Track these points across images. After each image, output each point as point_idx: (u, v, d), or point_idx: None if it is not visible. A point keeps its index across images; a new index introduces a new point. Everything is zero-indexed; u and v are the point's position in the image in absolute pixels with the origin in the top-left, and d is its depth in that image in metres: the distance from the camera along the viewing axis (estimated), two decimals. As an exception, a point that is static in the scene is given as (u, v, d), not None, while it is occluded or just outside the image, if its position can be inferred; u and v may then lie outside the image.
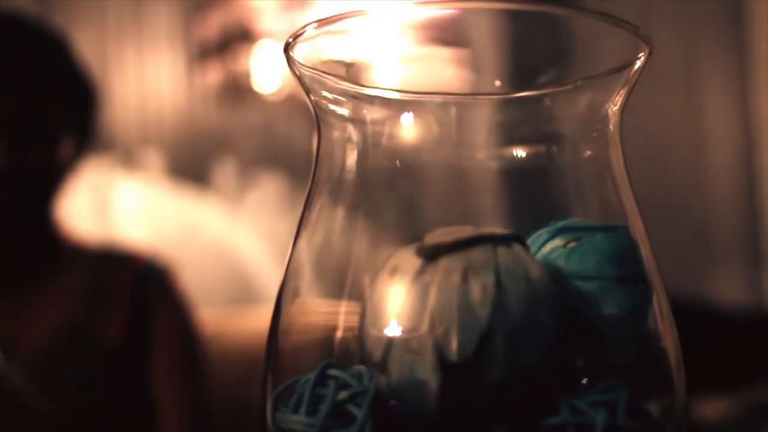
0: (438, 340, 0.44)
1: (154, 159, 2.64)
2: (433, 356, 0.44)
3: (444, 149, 0.54)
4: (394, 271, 0.46)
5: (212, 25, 2.59)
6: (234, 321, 1.93)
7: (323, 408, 0.46)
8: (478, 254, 0.45)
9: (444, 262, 0.45)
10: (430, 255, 0.45)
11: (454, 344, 0.44)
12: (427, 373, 0.44)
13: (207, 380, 1.45)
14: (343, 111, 0.53)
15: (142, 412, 1.40)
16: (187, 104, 2.68)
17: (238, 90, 2.61)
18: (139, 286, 1.44)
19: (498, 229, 0.47)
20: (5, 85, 1.33)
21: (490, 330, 0.44)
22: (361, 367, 0.47)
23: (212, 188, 2.70)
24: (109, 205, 2.53)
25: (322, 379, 0.47)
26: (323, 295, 0.51)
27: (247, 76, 2.54)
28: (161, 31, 2.65)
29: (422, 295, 0.44)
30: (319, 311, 0.51)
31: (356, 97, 0.53)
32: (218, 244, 2.59)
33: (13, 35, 1.39)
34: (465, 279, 0.44)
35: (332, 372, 0.47)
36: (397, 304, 0.45)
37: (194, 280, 1.63)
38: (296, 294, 0.51)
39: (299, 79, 0.52)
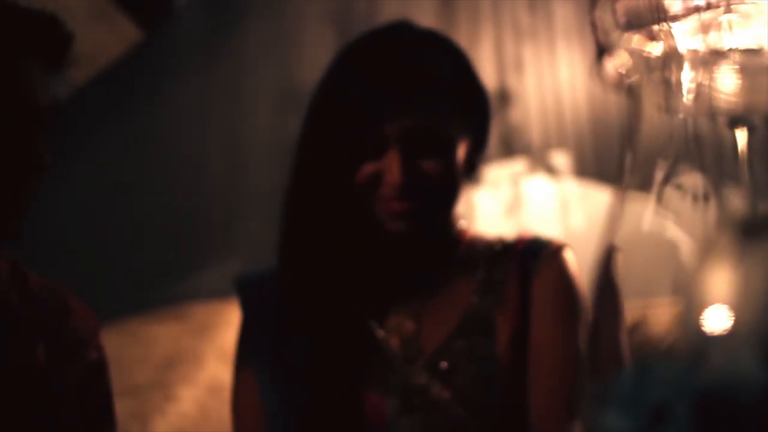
0: (766, 329, 0.38)
1: (562, 159, 2.63)
2: (761, 348, 0.38)
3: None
4: (713, 254, 0.40)
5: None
6: (651, 312, 1.87)
7: (643, 405, 0.41)
8: (810, 230, 0.39)
9: (771, 241, 0.39)
10: (755, 233, 0.40)
11: (785, 334, 0.38)
12: (754, 366, 0.38)
13: (582, 336, 1.40)
14: (676, 77, 0.48)
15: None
16: (589, 103, 2.64)
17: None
18: (523, 266, 1.43)
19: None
20: (403, 97, 1.36)
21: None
22: (683, 363, 0.42)
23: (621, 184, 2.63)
24: (521, 205, 2.55)
25: (643, 375, 0.42)
26: (643, 285, 0.47)
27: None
28: (559, 31, 2.63)
29: (745, 279, 0.39)
30: (638, 304, 0.46)
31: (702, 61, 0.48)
32: (629, 241, 2.53)
33: (409, 48, 1.42)
34: (795, 259, 0.38)
35: (652, 368, 0.42)
36: (717, 292, 0.40)
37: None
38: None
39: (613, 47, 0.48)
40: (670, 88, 0.50)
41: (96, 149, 2.63)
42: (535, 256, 1.44)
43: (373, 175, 1.36)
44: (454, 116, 1.40)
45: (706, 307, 0.40)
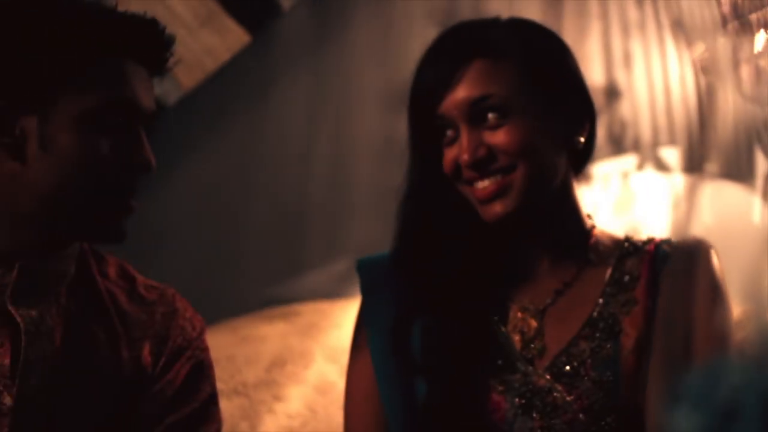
0: None
1: (672, 154, 2.57)
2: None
3: None
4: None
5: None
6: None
7: (714, 405, 0.40)
8: None
9: None
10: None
11: None
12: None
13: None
14: None
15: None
16: (698, 97, 2.57)
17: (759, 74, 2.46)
18: (654, 270, 1.40)
19: None
20: (449, 69, 1.36)
21: None
22: (754, 362, 0.40)
23: (744, 182, 2.56)
24: (631, 201, 2.52)
25: (714, 375, 0.41)
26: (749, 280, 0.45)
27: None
28: (667, 24, 2.58)
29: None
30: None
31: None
32: (745, 238, 2.46)
33: (472, 28, 1.40)
34: None
35: (723, 368, 0.41)
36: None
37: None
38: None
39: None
40: (762, 78, 0.48)
41: (205, 151, 2.66)
42: (666, 260, 1.40)
43: (455, 161, 1.36)
44: (527, 93, 1.36)
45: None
